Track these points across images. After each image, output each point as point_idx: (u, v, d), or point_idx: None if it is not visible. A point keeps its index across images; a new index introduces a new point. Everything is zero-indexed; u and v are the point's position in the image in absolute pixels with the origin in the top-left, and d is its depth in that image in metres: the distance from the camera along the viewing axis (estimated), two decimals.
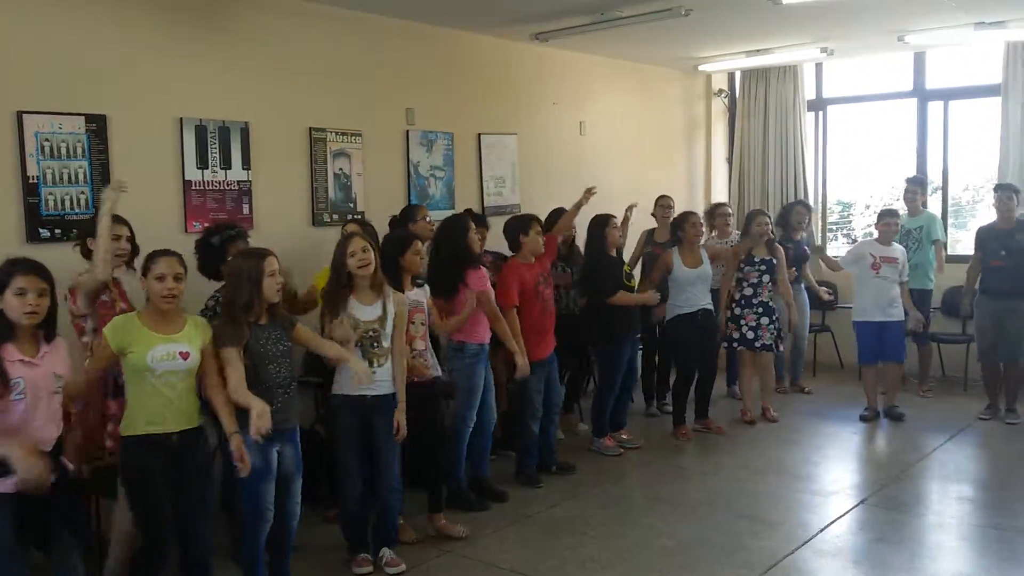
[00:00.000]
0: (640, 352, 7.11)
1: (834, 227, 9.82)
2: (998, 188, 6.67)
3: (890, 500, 5.10)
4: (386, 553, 4.28)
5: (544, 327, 5.41)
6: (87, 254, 3.94)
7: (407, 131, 6.32)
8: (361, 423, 4.15)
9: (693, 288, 6.28)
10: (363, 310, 4.10)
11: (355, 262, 4.08)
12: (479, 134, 6.87)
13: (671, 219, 6.71)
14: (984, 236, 6.67)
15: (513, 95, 7.16)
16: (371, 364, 4.09)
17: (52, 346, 3.15)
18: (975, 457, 6.00)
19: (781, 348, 6.91)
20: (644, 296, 5.98)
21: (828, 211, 9.29)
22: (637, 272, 6.82)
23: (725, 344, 6.66)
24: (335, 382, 4.15)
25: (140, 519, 3.43)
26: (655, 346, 6.99)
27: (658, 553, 4.41)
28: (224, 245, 4.36)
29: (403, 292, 4.44)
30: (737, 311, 6.58)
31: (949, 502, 5.09)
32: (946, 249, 7.68)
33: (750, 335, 6.57)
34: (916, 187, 7.55)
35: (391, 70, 6.20)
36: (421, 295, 4.62)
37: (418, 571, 4.25)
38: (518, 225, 5.46)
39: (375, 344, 4.11)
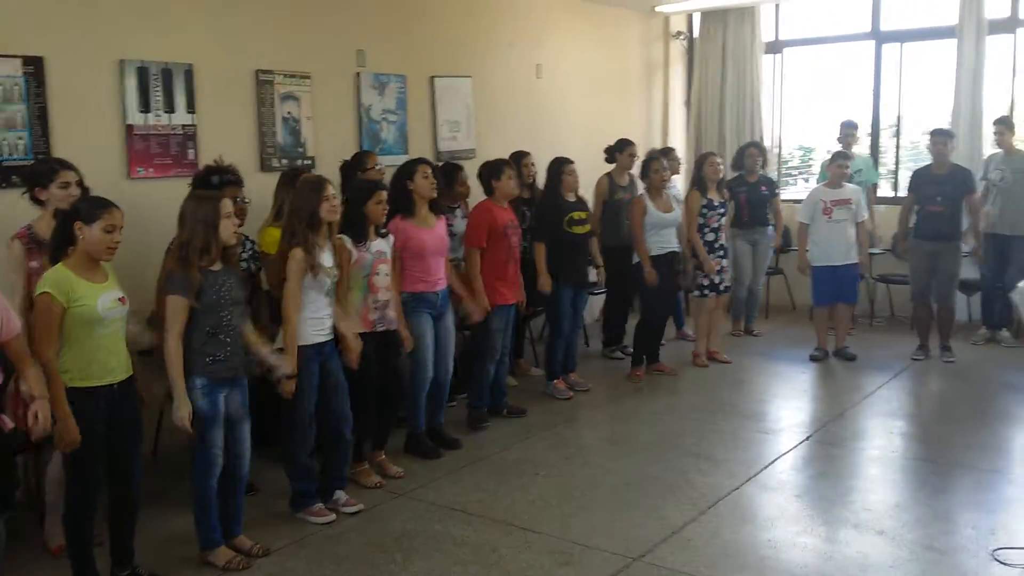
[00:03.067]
0: (604, 295, 7.20)
1: (795, 171, 9.90)
2: (934, 133, 6.75)
3: (833, 437, 5.24)
4: (341, 495, 4.34)
5: (508, 273, 5.41)
6: (38, 202, 3.88)
7: (358, 73, 6.21)
8: (319, 369, 4.19)
9: (666, 231, 6.31)
10: (324, 257, 4.12)
11: (328, 206, 4.08)
12: (432, 77, 6.77)
13: (634, 164, 6.77)
14: (920, 180, 6.76)
15: (467, 37, 7.06)
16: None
17: None
18: (916, 395, 6.18)
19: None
20: (540, 273, 5.78)
21: (789, 156, 9.34)
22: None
23: (695, 293, 6.71)
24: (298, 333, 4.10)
25: (74, 470, 3.41)
26: (617, 291, 7.04)
27: (606, 491, 4.50)
28: (223, 186, 4.27)
29: (367, 241, 4.47)
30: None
31: (889, 437, 5.24)
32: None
33: (716, 279, 6.63)
34: (852, 130, 7.68)
35: (340, 10, 6.07)
36: (384, 245, 4.61)
37: (371, 513, 4.30)
38: (490, 170, 5.48)
39: (334, 290, 4.17)
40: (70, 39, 4.71)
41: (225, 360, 3.63)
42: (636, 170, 6.81)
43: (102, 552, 3.59)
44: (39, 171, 3.93)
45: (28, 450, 4.15)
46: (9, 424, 3.10)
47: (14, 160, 4.47)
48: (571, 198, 5.94)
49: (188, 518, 3.96)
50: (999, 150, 7.07)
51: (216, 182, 4.26)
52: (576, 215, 5.90)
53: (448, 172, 5.77)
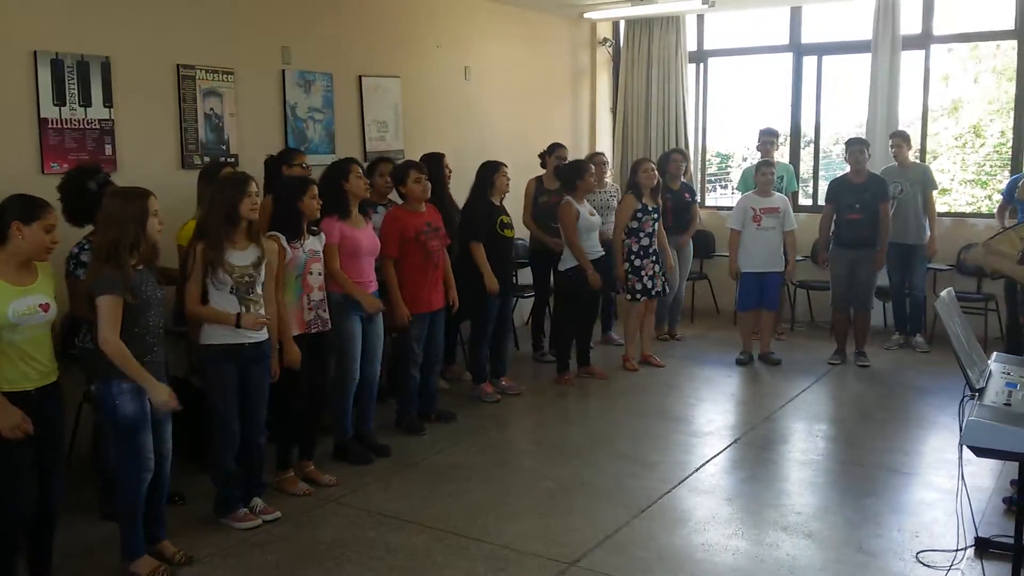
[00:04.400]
0: (531, 299, 7.18)
1: (712, 178, 10.10)
2: (850, 142, 6.94)
3: (761, 440, 5.32)
4: (258, 503, 4.22)
5: (426, 279, 5.30)
6: None
7: (283, 70, 6.06)
8: (237, 372, 4.03)
9: (594, 235, 6.32)
10: (237, 255, 3.94)
11: (250, 204, 3.93)
12: (360, 76, 6.66)
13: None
14: (837, 190, 6.93)
15: (396, 36, 6.96)
16: (247, 311, 3.96)
17: None
18: (837, 399, 6.31)
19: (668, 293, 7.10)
20: (486, 274, 5.77)
21: (707, 163, 9.52)
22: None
23: (628, 296, 6.70)
24: (205, 332, 3.98)
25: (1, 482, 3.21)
26: (546, 294, 7.03)
27: (540, 496, 4.47)
28: (101, 189, 4.02)
29: (302, 239, 4.36)
30: (637, 262, 6.60)
31: (814, 441, 5.34)
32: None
33: (649, 284, 6.66)
34: (771, 137, 7.85)
35: (265, 6, 5.92)
36: (317, 243, 4.51)
37: (300, 521, 4.18)
38: (396, 174, 5.39)
39: (250, 290, 3.96)
40: None
41: (151, 361, 3.49)
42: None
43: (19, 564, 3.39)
44: None
45: None
46: None
47: None
48: (497, 201, 5.92)
49: (107, 526, 3.80)
50: (894, 163, 7.32)
51: (95, 187, 4.00)
52: (505, 218, 5.87)
53: (370, 165, 5.65)
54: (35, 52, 4.69)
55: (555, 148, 6.97)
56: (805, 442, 5.33)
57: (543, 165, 6.97)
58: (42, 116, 4.74)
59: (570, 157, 7.09)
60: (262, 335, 4.04)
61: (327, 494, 4.49)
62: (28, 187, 3.48)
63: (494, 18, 7.94)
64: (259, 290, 4.01)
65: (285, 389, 4.37)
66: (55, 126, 4.79)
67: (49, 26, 4.76)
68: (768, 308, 7.02)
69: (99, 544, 3.84)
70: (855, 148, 6.84)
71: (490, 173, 5.88)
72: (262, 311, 4.01)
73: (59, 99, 4.79)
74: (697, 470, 4.82)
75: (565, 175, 6.44)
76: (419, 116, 7.17)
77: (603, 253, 6.41)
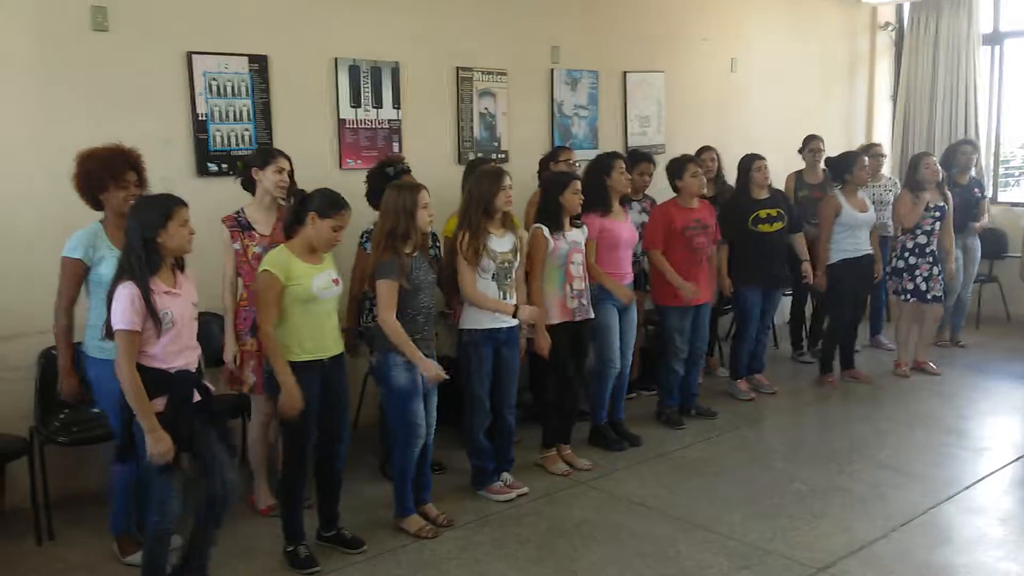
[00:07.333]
0: (790, 298, 6.97)
1: (1016, 171, 9.22)
2: None
3: None
4: (506, 477, 4.49)
5: (689, 274, 5.28)
6: (247, 186, 4.18)
7: (552, 69, 6.32)
8: (492, 353, 4.31)
9: (861, 232, 6.05)
10: (498, 242, 4.23)
11: (504, 196, 4.20)
12: (624, 72, 6.79)
13: (821, 160, 6.51)
14: None
15: (660, 31, 7.01)
16: (504, 295, 4.23)
17: (185, 276, 3.30)
18: None
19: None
20: (722, 278, 5.71)
21: (1010, 155, 8.68)
22: None
23: (901, 296, 6.35)
24: (466, 316, 4.27)
25: (291, 441, 3.67)
26: (804, 293, 6.80)
27: (791, 497, 4.38)
28: (398, 176, 4.47)
29: (563, 231, 4.57)
30: (912, 261, 6.23)
31: None
32: None
33: (923, 286, 6.25)
34: None
35: (536, 8, 6.20)
36: (579, 236, 4.69)
37: (552, 499, 4.41)
38: (673, 168, 5.42)
39: (507, 275, 4.24)
40: (291, 39, 5.08)
41: (421, 339, 3.83)
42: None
43: (309, 514, 3.86)
44: (260, 154, 4.25)
45: (244, 412, 4.52)
46: (212, 387, 3.40)
47: (241, 150, 4.89)
48: (762, 195, 5.79)
49: (382, 486, 4.21)
50: None
51: (392, 173, 4.45)
52: (764, 213, 5.73)
53: (632, 160, 5.74)
54: (336, 59, 5.26)
55: (809, 140, 6.72)
56: None
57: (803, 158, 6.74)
58: (341, 117, 5.31)
59: (844, 148, 6.79)
60: (515, 320, 4.29)
61: (579, 476, 4.68)
62: (328, 181, 3.92)
63: (763, 6, 7.74)
64: (514, 275, 4.28)
65: (547, 374, 4.61)
66: (351, 126, 5.35)
67: (348, 36, 5.31)
68: None
69: (378, 501, 4.28)
70: None
71: (746, 167, 5.78)
72: (515, 297, 4.26)
73: (355, 101, 5.35)
74: (969, 487, 4.48)
75: (834, 167, 6.19)
76: (682, 110, 7.17)
77: (869, 252, 6.09)
